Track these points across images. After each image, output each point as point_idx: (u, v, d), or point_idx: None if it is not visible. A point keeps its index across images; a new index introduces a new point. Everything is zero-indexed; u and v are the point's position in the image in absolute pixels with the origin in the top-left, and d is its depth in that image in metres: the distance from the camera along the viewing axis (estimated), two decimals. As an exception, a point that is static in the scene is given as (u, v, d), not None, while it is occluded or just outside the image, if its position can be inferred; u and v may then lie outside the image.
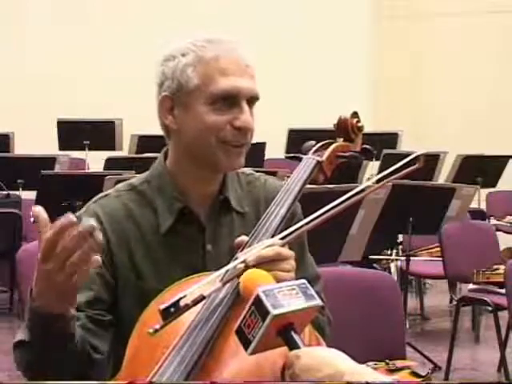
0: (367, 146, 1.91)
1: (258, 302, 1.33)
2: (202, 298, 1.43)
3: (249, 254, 1.53)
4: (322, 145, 1.86)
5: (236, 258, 1.55)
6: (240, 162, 1.75)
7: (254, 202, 1.85)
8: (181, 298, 1.40)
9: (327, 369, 1.30)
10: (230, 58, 1.70)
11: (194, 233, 1.78)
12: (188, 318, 1.50)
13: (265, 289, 1.35)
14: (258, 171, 1.97)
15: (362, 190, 1.64)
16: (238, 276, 1.50)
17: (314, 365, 1.31)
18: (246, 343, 1.34)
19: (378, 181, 1.70)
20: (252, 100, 1.73)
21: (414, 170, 1.64)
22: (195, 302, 1.43)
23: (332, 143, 1.86)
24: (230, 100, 1.69)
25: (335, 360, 1.33)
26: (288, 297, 1.34)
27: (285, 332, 1.35)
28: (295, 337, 1.35)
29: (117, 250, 1.75)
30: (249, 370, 1.48)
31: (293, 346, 1.35)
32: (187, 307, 1.41)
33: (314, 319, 1.52)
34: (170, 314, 1.39)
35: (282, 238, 1.59)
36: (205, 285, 1.46)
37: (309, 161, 1.81)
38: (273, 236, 1.63)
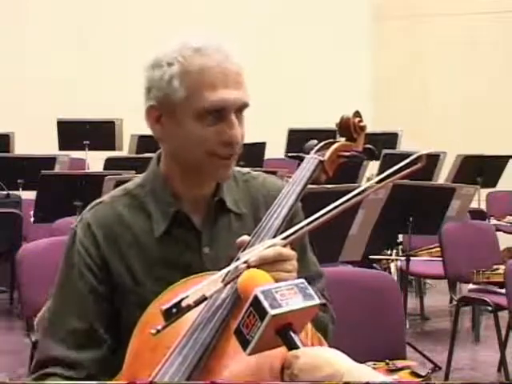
0: (369, 146, 1.89)
1: (256, 302, 1.33)
2: (204, 298, 1.43)
3: (250, 255, 1.52)
4: (324, 144, 1.84)
5: (238, 259, 1.55)
6: (227, 174, 1.73)
7: (251, 201, 1.83)
8: (183, 299, 1.39)
9: (326, 368, 1.30)
10: (217, 68, 1.65)
11: (190, 237, 1.75)
12: (189, 318, 1.49)
13: (263, 289, 1.34)
14: (257, 171, 1.96)
15: (364, 190, 1.63)
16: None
17: (313, 364, 1.31)
18: (244, 343, 1.34)
19: (380, 181, 1.69)
20: (241, 108, 1.70)
21: (416, 169, 1.63)
22: (197, 303, 1.42)
23: (334, 143, 1.85)
24: (218, 113, 1.66)
25: (334, 359, 1.32)
26: (286, 296, 1.34)
27: (284, 332, 1.34)
28: (294, 337, 1.35)
29: (111, 257, 1.73)
30: (250, 370, 1.47)
31: (292, 345, 1.35)
32: (189, 308, 1.41)
33: (316, 318, 1.52)
34: (172, 314, 1.39)
35: (284, 238, 1.58)
36: (206, 285, 1.45)
37: (311, 160, 1.79)
38: (274, 236, 1.61)
